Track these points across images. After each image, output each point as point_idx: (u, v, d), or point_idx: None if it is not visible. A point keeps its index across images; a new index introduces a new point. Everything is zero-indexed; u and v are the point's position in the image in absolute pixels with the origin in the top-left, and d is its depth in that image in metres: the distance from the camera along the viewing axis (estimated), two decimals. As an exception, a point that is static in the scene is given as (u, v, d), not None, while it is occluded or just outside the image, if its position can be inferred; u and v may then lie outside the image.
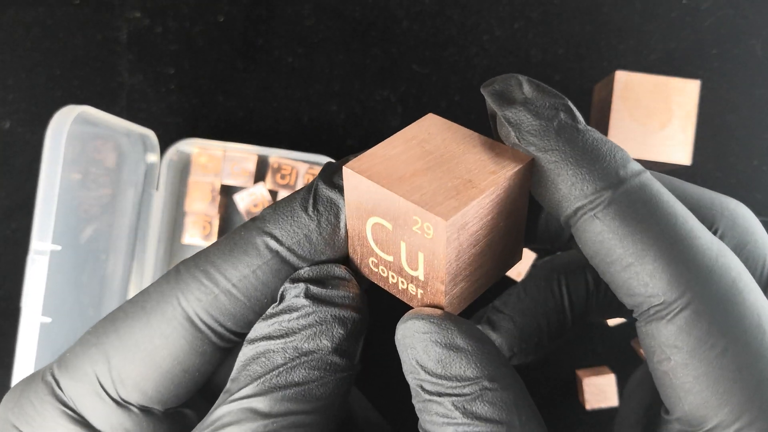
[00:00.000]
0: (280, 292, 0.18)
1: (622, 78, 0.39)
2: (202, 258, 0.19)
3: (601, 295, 0.24)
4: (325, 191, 0.18)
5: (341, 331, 0.18)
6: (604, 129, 0.40)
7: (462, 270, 0.17)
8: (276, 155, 0.42)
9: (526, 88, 0.18)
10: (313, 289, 0.18)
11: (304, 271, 0.18)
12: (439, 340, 0.17)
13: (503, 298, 0.25)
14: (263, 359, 0.17)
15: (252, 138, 0.44)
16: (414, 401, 0.18)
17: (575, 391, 0.43)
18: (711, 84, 0.43)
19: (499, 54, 0.44)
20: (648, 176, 0.17)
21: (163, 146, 0.42)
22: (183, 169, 0.43)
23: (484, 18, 0.44)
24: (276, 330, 0.18)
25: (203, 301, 0.18)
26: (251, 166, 0.42)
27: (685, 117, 0.39)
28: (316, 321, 0.17)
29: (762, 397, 0.16)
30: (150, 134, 0.41)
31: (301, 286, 0.18)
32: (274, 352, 0.17)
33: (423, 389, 0.17)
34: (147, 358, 0.18)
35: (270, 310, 0.18)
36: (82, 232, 0.36)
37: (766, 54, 0.44)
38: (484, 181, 0.17)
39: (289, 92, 0.44)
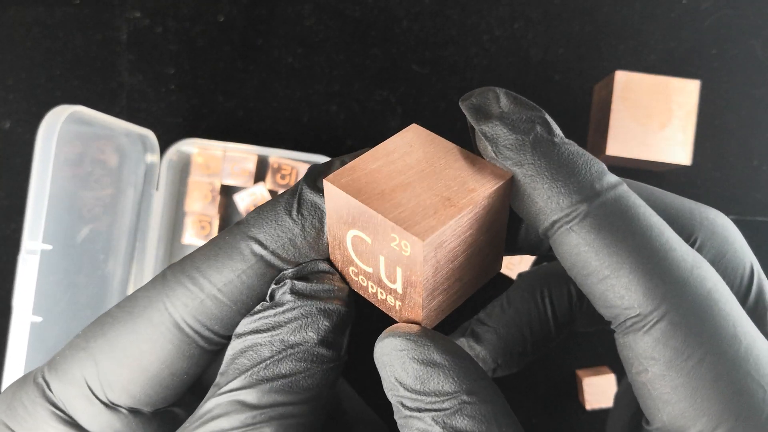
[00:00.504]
0: (269, 292, 0.18)
1: (622, 78, 0.39)
2: (188, 263, 0.19)
3: (584, 305, 0.24)
4: (310, 195, 0.18)
5: (326, 323, 0.18)
6: (604, 129, 0.40)
7: (440, 284, 0.17)
8: (276, 155, 0.42)
9: (503, 102, 0.18)
10: (298, 284, 0.18)
11: (289, 272, 0.18)
12: (416, 357, 0.17)
13: (487, 310, 0.25)
14: (251, 352, 0.18)
15: (252, 138, 0.44)
16: (395, 417, 0.18)
17: (575, 391, 0.43)
18: (711, 84, 0.43)
19: (499, 54, 0.44)
20: (624, 188, 0.17)
21: (163, 146, 0.42)
22: (183, 169, 0.43)
23: (484, 18, 0.44)
24: (263, 324, 0.18)
25: (189, 306, 0.18)
26: (251, 166, 0.42)
27: (685, 117, 0.39)
28: (302, 314, 0.18)
29: (739, 406, 0.16)
30: (150, 134, 0.41)
31: (288, 283, 0.18)
32: (261, 345, 0.18)
33: (403, 405, 0.17)
34: (134, 363, 0.19)
35: (258, 307, 0.18)
36: (78, 232, 0.36)
37: (765, 54, 0.44)
38: (462, 199, 0.17)
39: (289, 92, 0.44)
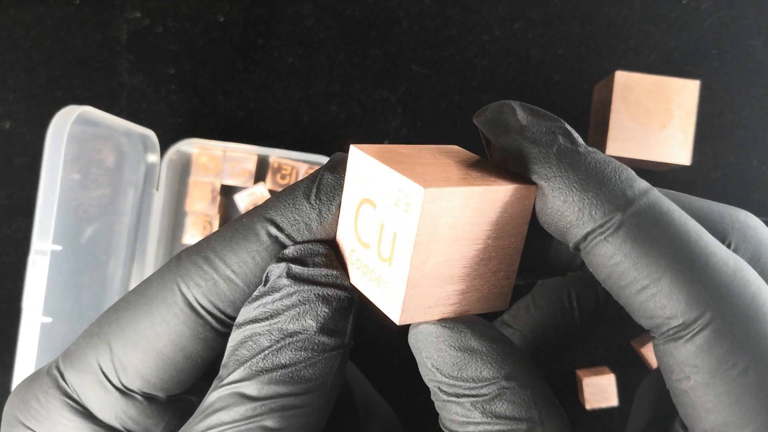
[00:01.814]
0: (265, 274, 0.18)
1: (622, 78, 0.39)
2: (203, 244, 0.19)
3: (610, 309, 0.24)
4: (330, 180, 0.18)
5: (326, 310, 0.17)
6: (604, 129, 0.40)
7: (433, 272, 0.17)
8: (276, 155, 0.42)
9: (521, 114, 0.17)
10: (295, 268, 0.18)
11: (288, 251, 0.18)
12: (453, 344, 0.17)
13: (512, 312, 0.24)
14: (250, 343, 0.17)
15: (252, 138, 0.44)
16: (433, 399, 0.18)
17: (575, 391, 0.43)
18: (711, 84, 0.43)
19: (499, 54, 0.44)
20: (656, 194, 0.16)
21: (163, 146, 0.42)
22: (183, 169, 0.43)
23: (484, 18, 0.44)
24: (261, 313, 0.18)
25: (203, 287, 0.18)
26: (251, 166, 0.42)
27: (685, 117, 0.39)
28: (300, 301, 0.17)
29: None
30: (150, 134, 0.41)
31: (283, 266, 0.18)
32: (260, 335, 0.17)
33: (441, 390, 0.17)
34: (148, 345, 0.19)
35: (255, 293, 0.18)
36: (82, 233, 0.36)
37: (765, 54, 0.44)
38: (480, 181, 0.16)
39: (289, 92, 0.44)
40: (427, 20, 0.45)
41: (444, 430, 0.18)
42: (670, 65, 0.44)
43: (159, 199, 0.42)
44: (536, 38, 0.44)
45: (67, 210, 0.34)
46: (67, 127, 0.31)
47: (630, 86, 0.39)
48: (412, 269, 0.16)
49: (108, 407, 0.19)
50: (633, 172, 0.17)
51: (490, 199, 0.16)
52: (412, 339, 0.18)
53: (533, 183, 0.17)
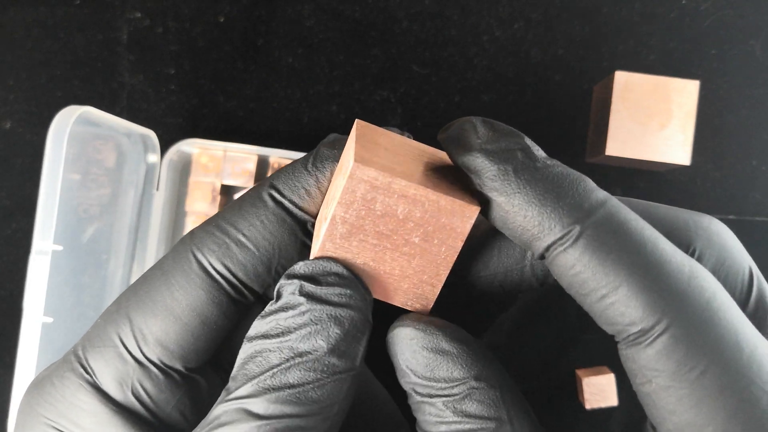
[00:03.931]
0: (276, 289, 0.18)
1: (622, 78, 0.39)
2: (215, 217, 0.20)
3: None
4: (326, 151, 0.20)
5: (338, 331, 0.17)
6: (603, 129, 0.40)
7: (353, 227, 0.18)
8: (276, 155, 0.42)
9: (481, 131, 0.18)
10: (308, 286, 0.18)
11: (300, 267, 0.18)
12: (425, 345, 0.17)
13: (495, 334, 0.25)
14: (260, 359, 0.17)
15: (252, 138, 0.44)
16: (409, 402, 0.18)
17: (575, 391, 0.43)
18: (710, 84, 0.44)
19: (499, 54, 0.44)
20: (614, 203, 0.17)
21: (164, 146, 0.42)
22: (183, 170, 0.43)
23: (484, 18, 0.44)
24: (272, 328, 0.18)
25: (216, 252, 0.19)
26: (251, 166, 0.42)
27: (685, 117, 0.39)
28: (311, 320, 0.17)
29: (744, 414, 0.16)
30: (150, 134, 0.41)
31: (296, 282, 0.18)
32: (270, 351, 0.17)
33: (415, 392, 0.18)
34: (167, 311, 0.19)
35: (267, 308, 0.18)
36: (83, 233, 0.36)
37: (765, 54, 0.44)
38: (428, 184, 0.17)
39: (289, 92, 0.44)
40: (427, 20, 0.45)
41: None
42: (669, 65, 0.44)
43: (159, 199, 0.42)
44: (536, 38, 0.44)
45: (68, 210, 0.34)
46: (68, 128, 0.31)
47: (630, 86, 0.39)
48: (333, 217, 0.18)
49: (124, 381, 0.19)
50: (591, 183, 0.17)
51: (422, 200, 0.17)
52: (389, 342, 0.18)
53: (479, 205, 0.18)
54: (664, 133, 0.39)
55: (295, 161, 0.20)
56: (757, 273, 0.19)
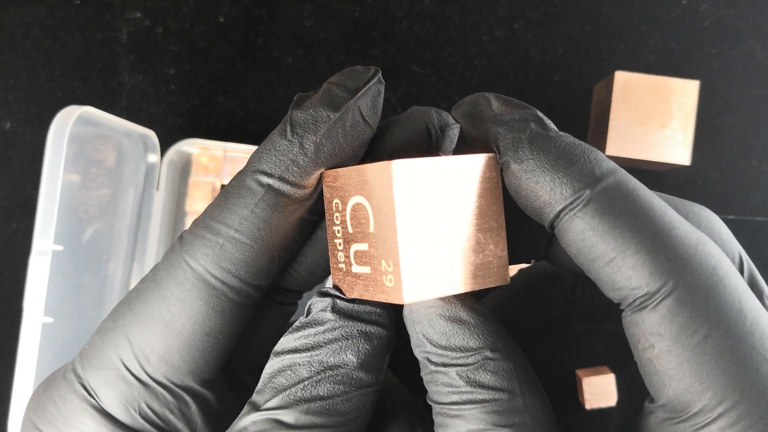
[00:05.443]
0: (307, 306, 0.18)
1: (622, 78, 0.39)
2: (200, 218, 0.19)
3: (578, 303, 0.24)
4: (299, 114, 0.18)
5: (367, 347, 0.18)
6: (603, 129, 0.40)
7: (421, 241, 0.17)
8: (276, 155, 0.42)
9: (495, 105, 0.18)
10: (340, 303, 0.18)
11: (332, 288, 0.19)
12: (443, 314, 0.18)
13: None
14: (289, 372, 0.18)
15: (252, 138, 0.44)
16: (422, 374, 0.18)
17: (575, 391, 0.43)
18: (710, 84, 0.44)
19: (499, 54, 0.44)
20: (623, 173, 0.17)
21: (164, 146, 0.42)
22: (183, 170, 0.43)
23: (484, 18, 0.44)
24: (302, 344, 0.18)
25: (211, 256, 0.18)
26: (251, 166, 0.42)
27: (685, 117, 0.39)
28: (342, 336, 0.18)
29: (744, 381, 0.16)
30: (150, 134, 0.41)
31: (328, 300, 0.18)
32: (299, 365, 0.18)
33: (429, 361, 0.18)
34: (166, 328, 0.18)
35: (297, 324, 0.18)
36: (83, 233, 0.36)
37: (765, 54, 0.44)
38: (449, 157, 0.17)
39: (289, 92, 0.44)
40: (427, 20, 0.45)
41: (430, 404, 0.18)
42: (669, 65, 0.44)
43: (159, 199, 0.42)
44: (536, 38, 0.44)
45: (68, 210, 0.34)
46: (68, 128, 0.31)
47: (630, 86, 0.39)
48: (401, 238, 0.16)
49: (129, 404, 0.19)
50: (601, 154, 0.18)
51: (455, 167, 0.17)
52: (407, 311, 0.18)
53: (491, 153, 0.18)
54: (664, 133, 0.39)
55: (270, 136, 0.18)
56: (746, 258, 0.19)
